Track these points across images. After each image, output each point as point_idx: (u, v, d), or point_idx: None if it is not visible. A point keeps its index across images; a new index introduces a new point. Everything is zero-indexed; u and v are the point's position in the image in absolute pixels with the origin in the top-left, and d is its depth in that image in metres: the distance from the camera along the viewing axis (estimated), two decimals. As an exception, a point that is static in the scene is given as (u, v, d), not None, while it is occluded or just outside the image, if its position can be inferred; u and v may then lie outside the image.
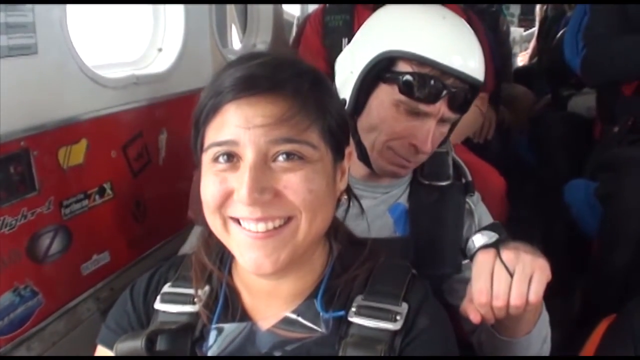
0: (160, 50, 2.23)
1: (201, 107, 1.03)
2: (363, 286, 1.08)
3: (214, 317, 1.08)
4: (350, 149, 1.11)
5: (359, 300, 1.06)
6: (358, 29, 1.52)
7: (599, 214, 2.36)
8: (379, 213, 1.49)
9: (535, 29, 5.29)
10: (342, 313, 1.04)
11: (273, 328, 1.06)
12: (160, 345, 1.07)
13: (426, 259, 1.44)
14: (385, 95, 1.39)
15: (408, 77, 1.34)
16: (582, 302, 2.43)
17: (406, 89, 1.34)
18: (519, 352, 1.30)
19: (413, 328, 1.04)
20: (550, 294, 1.21)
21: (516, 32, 5.79)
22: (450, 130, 1.48)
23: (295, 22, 3.55)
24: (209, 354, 1.07)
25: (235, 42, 3.26)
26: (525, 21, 7.12)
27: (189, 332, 1.09)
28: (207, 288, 1.11)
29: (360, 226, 1.28)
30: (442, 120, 1.39)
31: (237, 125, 0.95)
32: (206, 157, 0.99)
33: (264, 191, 0.93)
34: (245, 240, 0.97)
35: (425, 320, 1.05)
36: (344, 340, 1.01)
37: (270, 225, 0.95)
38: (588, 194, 2.45)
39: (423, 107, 1.34)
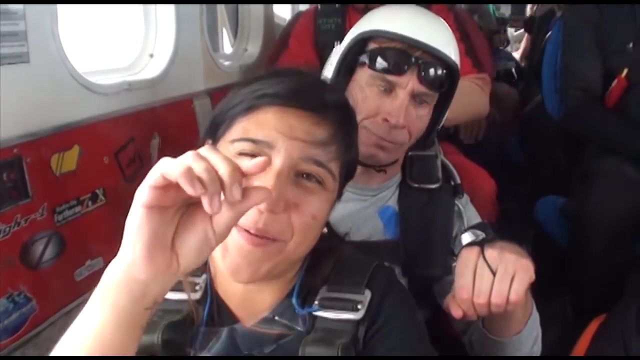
0: (151, 56, 2.24)
1: (236, 101, 1.03)
2: (327, 277, 1.09)
3: (203, 317, 1.09)
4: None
5: (323, 292, 1.07)
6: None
7: (567, 230, 2.43)
8: (368, 215, 1.51)
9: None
10: (316, 308, 1.05)
11: (253, 327, 1.07)
12: (166, 335, 1.06)
13: (417, 261, 1.46)
14: (360, 78, 1.44)
15: (377, 51, 1.39)
16: (572, 304, 2.47)
17: (375, 63, 1.39)
18: (510, 352, 1.31)
19: (379, 316, 1.05)
20: (541, 295, 1.23)
21: (507, 32, 5.81)
22: (439, 117, 1.50)
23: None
24: (199, 350, 1.07)
25: (227, 47, 3.27)
26: (516, 22, 7.15)
27: (189, 324, 1.09)
28: (204, 276, 1.11)
29: (344, 227, 1.29)
30: (417, 99, 1.41)
31: (277, 130, 0.96)
32: (229, 148, 0.99)
33: (280, 200, 0.93)
34: (238, 242, 0.96)
35: (390, 306, 1.06)
36: (304, 338, 1.02)
37: (264, 240, 0.95)
38: (556, 210, 2.52)
39: (392, 78, 1.38)
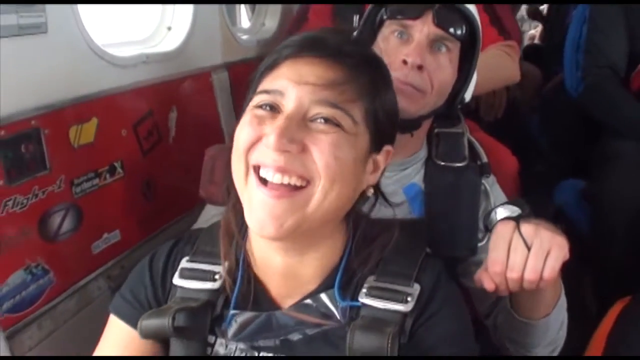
0: (169, 28, 2.22)
1: (263, 64, 1.05)
2: (375, 266, 1.07)
3: (232, 299, 1.09)
4: (390, 149, 1.11)
5: (370, 281, 1.06)
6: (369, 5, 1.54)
7: (588, 213, 2.39)
8: (392, 192, 1.46)
9: (545, 7, 5.22)
10: (358, 304, 1.04)
11: (289, 311, 1.07)
12: (179, 321, 1.06)
13: (441, 241, 1.44)
14: (380, 39, 1.46)
15: (394, 3, 1.42)
16: (593, 287, 2.45)
17: (390, 12, 1.43)
18: (537, 335, 1.30)
19: (425, 310, 1.04)
20: (561, 278, 1.21)
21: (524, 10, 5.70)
22: (466, 77, 1.50)
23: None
24: (229, 333, 1.08)
25: (244, 21, 3.25)
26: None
27: (209, 310, 1.10)
28: (226, 264, 1.11)
29: (380, 213, 1.27)
30: (435, 45, 1.42)
31: (288, 78, 0.98)
32: (251, 104, 1.02)
33: (293, 141, 0.94)
34: (258, 196, 0.97)
35: (438, 302, 1.05)
36: (353, 323, 1.01)
37: (286, 179, 0.96)
38: (576, 194, 2.48)
39: (408, 22, 1.40)
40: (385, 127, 1.07)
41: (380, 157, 1.09)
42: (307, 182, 0.97)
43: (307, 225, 1.00)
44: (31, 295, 1.53)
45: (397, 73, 1.38)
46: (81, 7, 1.65)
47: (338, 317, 1.05)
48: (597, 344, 1.52)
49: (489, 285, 1.13)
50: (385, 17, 1.45)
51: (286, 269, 1.07)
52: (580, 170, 2.68)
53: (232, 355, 1.09)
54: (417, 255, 1.11)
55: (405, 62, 1.39)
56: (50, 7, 1.51)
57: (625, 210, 2.19)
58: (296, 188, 0.97)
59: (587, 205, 2.44)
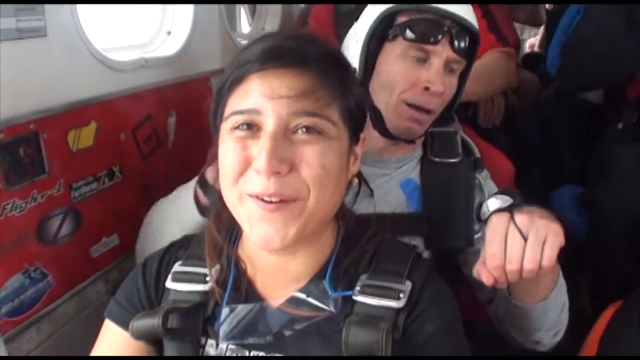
0: (169, 33, 2.22)
1: (225, 78, 1.05)
2: (368, 265, 1.10)
3: (224, 296, 1.10)
4: (365, 136, 1.13)
5: (363, 279, 1.08)
6: None
7: (585, 219, 2.39)
8: (390, 188, 1.53)
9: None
10: (349, 293, 1.06)
11: (282, 306, 1.08)
12: (172, 322, 1.08)
13: (440, 233, 1.48)
14: (391, 52, 1.47)
15: (410, 23, 1.43)
16: (589, 293, 2.45)
17: (409, 34, 1.42)
18: (536, 319, 1.32)
19: (417, 306, 1.06)
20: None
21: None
22: (461, 85, 1.53)
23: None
24: (221, 332, 1.08)
25: (244, 26, 3.25)
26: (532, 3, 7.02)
27: (201, 310, 1.11)
28: (217, 266, 1.13)
29: (370, 206, 1.31)
30: (448, 67, 1.45)
31: (261, 94, 0.98)
32: (226, 126, 1.02)
33: (282, 161, 0.95)
34: (257, 212, 0.98)
35: (429, 298, 1.07)
36: (348, 319, 1.03)
37: (282, 197, 0.97)
38: (573, 200, 2.48)
39: (428, 47, 1.42)
40: (359, 119, 1.10)
41: (358, 148, 1.12)
42: (297, 197, 0.98)
43: (308, 230, 1.02)
44: (30, 299, 1.52)
45: (418, 98, 1.44)
46: (81, 11, 1.65)
47: (330, 307, 1.06)
48: (589, 348, 1.53)
49: (488, 280, 1.14)
50: (398, 33, 1.45)
51: (278, 266, 1.10)
52: (577, 177, 2.69)
53: (222, 355, 1.10)
54: (408, 254, 1.13)
55: (427, 88, 1.42)
56: (49, 11, 1.51)
57: (622, 217, 2.19)
58: (288, 202, 0.98)
59: (584, 211, 2.45)
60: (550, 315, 1.33)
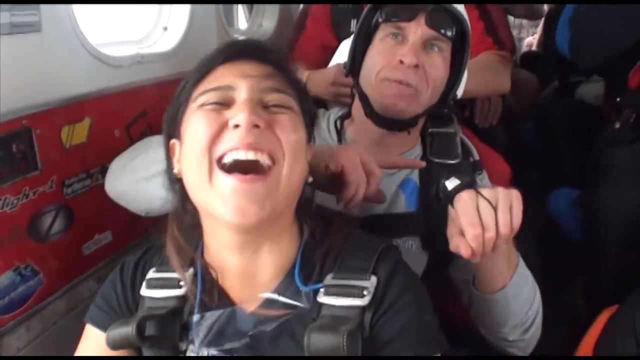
0: (165, 29, 2.21)
1: (187, 79, 1.12)
2: (334, 263, 1.10)
3: (195, 304, 1.10)
4: (312, 145, 1.19)
5: (328, 279, 1.08)
6: None
7: (582, 221, 2.39)
8: (390, 188, 1.53)
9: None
10: (320, 285, 1.07)
11: (256, 310, 1.09)
12: (150, 330, 1.08)
13: (437, 234, 1.47)
14: (376, 41, 1.54)
15: (388, 6, 1.52)
16: (585, 298, 2.45)
17: (385, 14, 1.51)
18: (499, 311, 1.34)
19: (383, 301, 1.06)
20: (554, 287, 1.21)
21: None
22: (457, 77, 1.56)
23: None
24: (195, 339, 1.09)
25: (242, 22, 3.24)
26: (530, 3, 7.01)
27: (178, 316, 1.11)
28: (191, 270, 1.13)
29: (371, 206, 1.41)
30: (428, 45, 1.49)
31: (232, 75, 1.06)
32: (193, 107, 1.06)
33: (260, 117, 1.01)
34: (231, 185, 0.99)
35: (395, 292, 1.07)
36: (310, 325, 1.02)
37: (258, 156, 1.00)
38: (570, 202, 2.48)
39: (403, 24, 1.48)
40: (310, 124, 1.16)
41: (309, 150, 1.15)
42: (273, 162, 1.01)
43: (280, 208, 1.04)
44: (20, 297, 1.51)
45: (394, 73, 1.47)
46: (76, 6, 1.64)
47: (303, 303, 1.07)
48: (584, 353, 1.53)
49: (466, 252, 1.15)
50: (380, 20, 1.52)
51: (243, 269, 1.10)
52: (575, 178, 2.68)
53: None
54: (375, 247, 1.13)
55: (402, 62, 1.46)
56: (44, 6, 1.50)
57: (618, 219, 2.19)
58: (264, 172, 1.00)
59: (581, 215, 2.44)
60: (513, 309, 1.34)
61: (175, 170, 1.13)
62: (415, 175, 1.58)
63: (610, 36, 2.35)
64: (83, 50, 1.69)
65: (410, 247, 1.51)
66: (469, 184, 1.19)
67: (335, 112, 1.69)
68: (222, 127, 1.01)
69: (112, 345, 1.09)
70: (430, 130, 1.63)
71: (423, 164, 1.44)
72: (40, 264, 1.56)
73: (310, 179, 1.15)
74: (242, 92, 1.03)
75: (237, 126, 0.99)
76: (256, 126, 1.00)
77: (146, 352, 1.13)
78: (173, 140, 1.14)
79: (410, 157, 1.60)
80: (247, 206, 0.99)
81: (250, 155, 0.99)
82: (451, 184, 1.20)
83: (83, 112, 1.69)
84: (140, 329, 1.06)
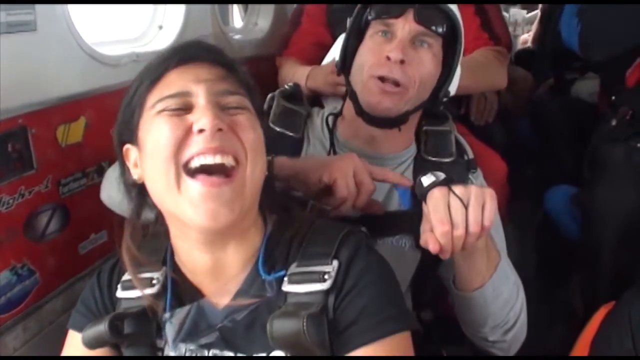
0: (160, 27, 2.20)
1: (138, 83, 1.13)
2: (297, 252, 1.12)
3: (166, 303, 1.12)
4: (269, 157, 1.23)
5: (292, 268, 1.10)
6: None
7: (578, 219, 2.40)
8: (384, 186, 1.52)
9: (538, 11, 5.22)
10: (282, 273, 1.09)
11: (230, 303, 1.11)
12: (126, 329, 1.10)
13: None
14: (366, 39, 1.54)
15: (377, 4, 1.52)
16: (581, 295, 2.45)
17: (373, 12, 1.52)
18: (478, 310, 1.35)
19: (345, 283, 1.07)
20: (550, 284, 1.21)
21: (518, 14, 5.69)
22: (448, 73, 1.55)
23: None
24: (168, 337, 1.10)
25: (237, 21, 3.24)
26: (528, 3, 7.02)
27: (151, 315, 1.13)
28: (164, 269, 1.16)
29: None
30: (417, 41, 1.49)
31: (187, 80, 1.06)
32: (151, 113, 1.06)
33: (223, 121, 1.02)
34: (200, 190, 1.00)
35: (356, 272, 1.08)
36: (273, 313, 1.04)
37: (225, 159, 1.01)
38: (566, 201, 2.48)
39: (391, 20, 1.48)
40: (261, 120, 1.17)
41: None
42: (236, 163, 1.03)
43: (246, 207, 1.06)
44: (17, 297, 1.51)
45: (380, 70, 1.47)
46: (71, 6, 1.63)
47: (267, 293, 1.09)
48: (581, 349, 1.53)
49: (434, 247, 1.16)
50: (370, 17, 1.52)
51: (213, 266, 1.11)
52: (571, 175, 2.69)
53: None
54: (338, 232, 1.14)
55: (388, 58, 1.46)
56: (39, 5, 1.49)
57: (614, 216, 2.19)
58: (228, 173, 1.02)
59: (577, 211, 2.45)
60: (492, 309, 1.34)
61: (136, 177, 1.14)
62: (409, 174, 1.58)
63: (623, 28, 2.35)
64: (78, 49, 1.68)
65: (403, 245, 1.51)
66: (443, 181, 1.19)
67: (329, 111, 1.69)
68: (187, 132, 1.02)
69: (88, 344, 1.10)
70: (425, 128, 1.62)
71: (410, 183, 1.42)
72: (36, 264, 1.56)
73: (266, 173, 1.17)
74: (200, 97, 1.04)
75: (201, 131, 1.01)
76: (220, 130, 1.02)
77: (126, 352, 1.14)
78: (127, 146, 1.15)
79: (406, 157, 1.60)
80: (217, 210, 1.01)
81: (217, 159, 1.01)
82: (427, 180, 1.21)
83: (79, 111, 1.68)
84: (113, 327, 1.08)
